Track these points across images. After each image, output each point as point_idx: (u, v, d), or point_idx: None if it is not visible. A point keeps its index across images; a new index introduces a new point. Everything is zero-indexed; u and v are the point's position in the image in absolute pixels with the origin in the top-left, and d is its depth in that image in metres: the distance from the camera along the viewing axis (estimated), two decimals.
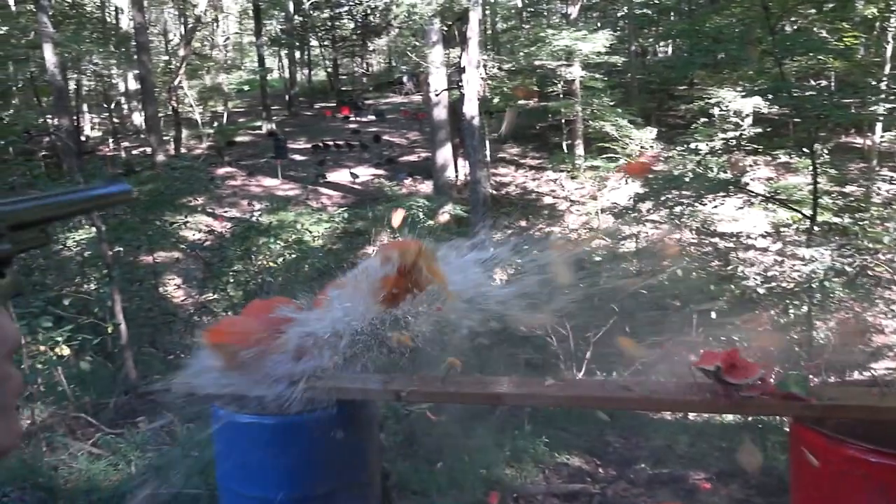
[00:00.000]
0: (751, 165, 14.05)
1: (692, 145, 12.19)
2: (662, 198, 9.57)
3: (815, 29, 11.95)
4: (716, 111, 14.08)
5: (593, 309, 7.42)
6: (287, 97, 28.16)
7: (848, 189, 10.57)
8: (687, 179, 9.70)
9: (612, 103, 15.82)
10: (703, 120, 14.35)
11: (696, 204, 9.72)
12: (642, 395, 2.36)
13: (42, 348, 5.39)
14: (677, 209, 9.90)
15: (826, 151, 11.19)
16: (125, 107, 26.01)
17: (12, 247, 0.57)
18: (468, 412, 5.33)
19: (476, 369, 5.91)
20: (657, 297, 8.94)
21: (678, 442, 4.61)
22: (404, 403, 4.38)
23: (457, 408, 5.35)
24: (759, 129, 12.67)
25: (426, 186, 17.53)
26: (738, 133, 12.41)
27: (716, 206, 10.09)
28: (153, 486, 3.65)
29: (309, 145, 22.00)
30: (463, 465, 4.03)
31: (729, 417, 5.03)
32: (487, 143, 17.41)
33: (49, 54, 15.38)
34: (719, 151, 11.71)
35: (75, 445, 4.27)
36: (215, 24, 30.42)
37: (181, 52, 22.66)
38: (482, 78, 15.64)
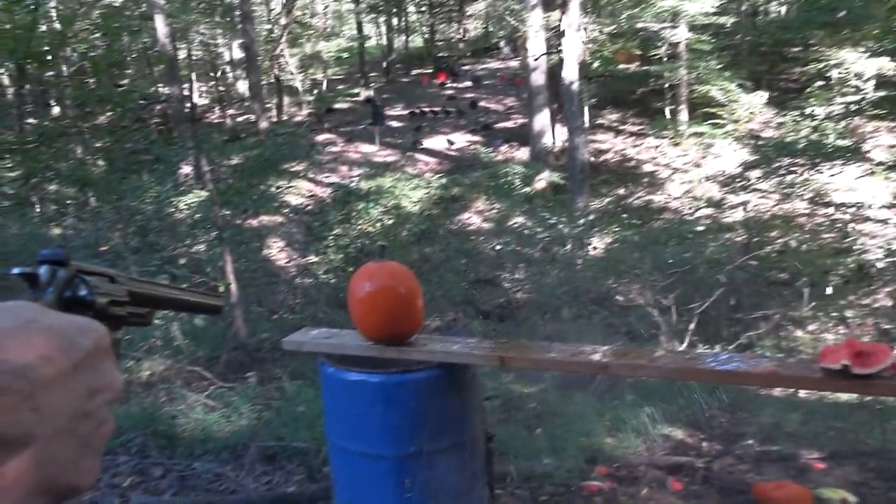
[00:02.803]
0: (872, 132, 13.18)
1: (807, 110, 11.55)
2: (774, 165, 9.12)
3: None
4: (834, 73, 13.24)
5: (697, 281, 7.20)
6: (384, 64, 28.36)
7: None
8: (801, 146, 9.20)
9: (719, 66, 15.13)
10: (819, 83, 13.53)
11: (811, 172, 9.21)
12: (763, 370, 2.25)
13: None
14: (789, 178, 9.42)
15: None
16: (230, 75, 26.88)
17: (127, 315, 0.60)
18: (566, 380, 5.28)
19: (576, 338, 5.86)
20: (765, 270, 8.57)
21: (788, 419, 4.42)
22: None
23: (554, 375, 5.32)
24: (883, 93, 11.84)
25: (522, 153, 17.35)
26: (858, 97, 11.64)
27: (832, 175, 9.53)
28: (263, 438, 3.82)
29: (406, 112, 22.14)
30: (562, 431, 4.01)
31: (844, 396, 4.78)
32: (586, 108, 17.01)
33: (160, 25, 16.06)
34: (837, 116, 11.03)
35: (192, 397, 4.51)
36: None
37: (283, 21, 23.17)
38: (582, 42, 15.24)
